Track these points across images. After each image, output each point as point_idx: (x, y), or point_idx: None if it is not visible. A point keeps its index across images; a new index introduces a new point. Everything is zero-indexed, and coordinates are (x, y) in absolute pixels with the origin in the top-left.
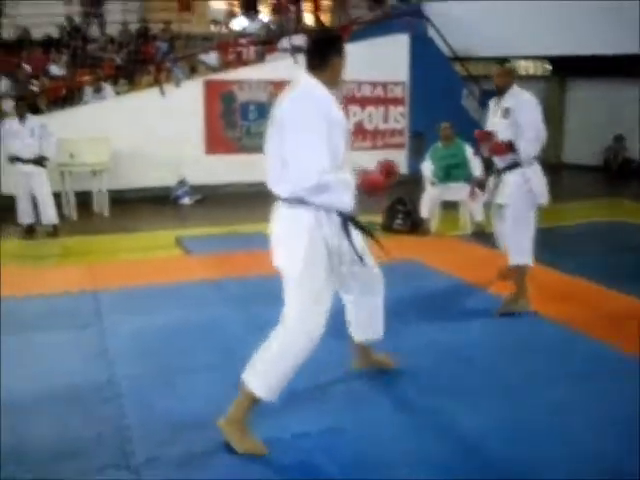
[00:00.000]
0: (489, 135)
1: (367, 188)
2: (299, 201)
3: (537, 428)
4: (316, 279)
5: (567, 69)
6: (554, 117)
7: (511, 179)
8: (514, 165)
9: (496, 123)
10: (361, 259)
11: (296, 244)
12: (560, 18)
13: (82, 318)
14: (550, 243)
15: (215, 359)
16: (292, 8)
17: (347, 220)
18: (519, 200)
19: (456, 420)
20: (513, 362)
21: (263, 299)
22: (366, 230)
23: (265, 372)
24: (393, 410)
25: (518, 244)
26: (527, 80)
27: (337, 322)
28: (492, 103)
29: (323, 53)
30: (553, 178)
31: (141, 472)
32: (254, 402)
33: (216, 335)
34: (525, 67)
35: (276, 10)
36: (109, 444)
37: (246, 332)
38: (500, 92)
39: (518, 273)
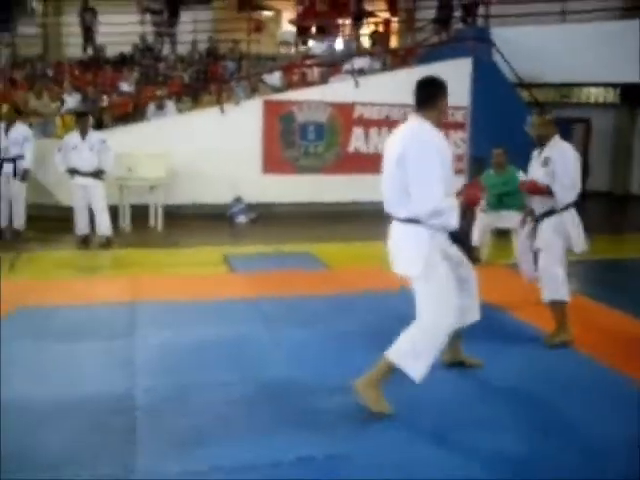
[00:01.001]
0: (537, 186)
1: (470, 202)
2: (416, 221)
3: None
4: (438, 278)
5: (637, 97)
6: (622, 147)
7: (547, 225)
8: (551, 212)
9: (536, 172)
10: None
11: (418, 252)
12: (630, 44)
13: (115, 329)
14: (607, 276)
15: (234, 377)
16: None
17: (453, 235)
18: (554, 243)
19: (468, 450)
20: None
21: (295, 320)
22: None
23: (416, 355)
24: (405, 438)
25: (553, 281)
26: (596, 108)
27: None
28: (535, 153)
29: (432, 96)
30: (619, 209)
31: None
32: (392, 373)
33: (241, 353)
34: (595, 94)
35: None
36: (112, 456)
37: (271, 352)
38: (541, 142)
39: (557, 309)
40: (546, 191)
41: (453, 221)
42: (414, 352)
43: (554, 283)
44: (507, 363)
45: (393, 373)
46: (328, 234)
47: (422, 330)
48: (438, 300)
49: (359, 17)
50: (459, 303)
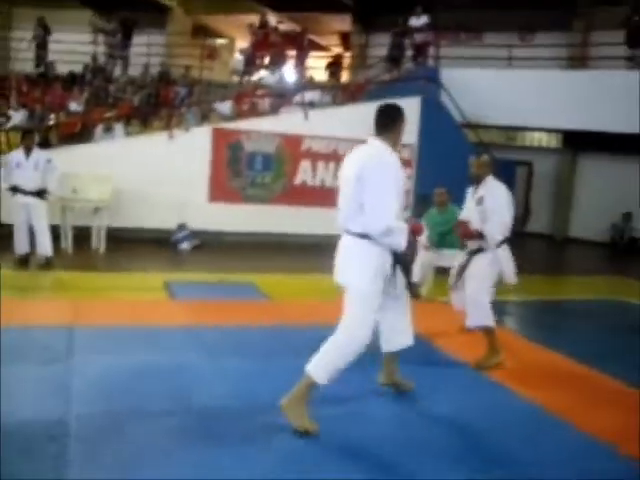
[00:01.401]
0: (468, 229)
1: (414, 231)
2: (368, 237)
3: None
4: (376, 296)
5: (579, 143)
6: (563, 190)
7: (482, 258)
8: (481, 249)
9: (470, 209)
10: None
11: (367, 266)
12: (574, 92)
13: (52, 353)
14: (544, 317)
15: (171, 406)
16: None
17: (398, 257)
18: (486, 275)
19: None
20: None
21: (234, 350)
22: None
23: (325, 364)
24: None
25: (481, 309)
26: (539, 152)
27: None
28: (471, 190)
29: (391, 120)
30: (558, 252)
31: None
32: (313, 386)
33: (179, 382)
34: (538, 138)
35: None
36: None
37: (209, 382)
38: (477, 181)
39: (488, 334)
40: (477, 236)
41: (402, 242)
42: (325, 360)
43: (481, 310)
44: (441, 392)
45: (315, 388)
46: (271, 265)
47: (338, 343)
48: (363, 316)
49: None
50: (393, 325)
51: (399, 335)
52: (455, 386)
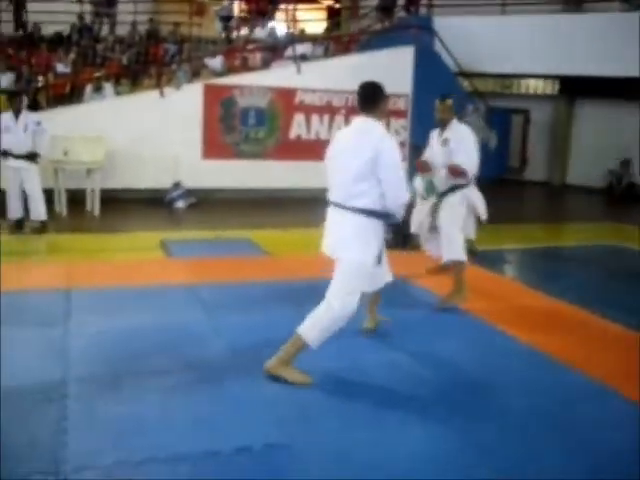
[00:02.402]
0: (427, 165)
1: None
2: (370, 213)
3: None
4: (369, 266)
5: (576, 89)
6: (560, 138)
7: (452, 197)
8: (454, 188)
9: (436, 151)
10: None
11: (372, 243)
12: (570, 36)
13: (50, 316)
14: (542, 264)
15: (169, 364)
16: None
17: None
18: (457, 211)
19: (400, 443)
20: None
21: (232, 305)
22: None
23: (320, 330)
24: (343, 424)
25: (453, 243)
26: (535, 99)
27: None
28: (435, 134)
29: (375, 98)
30: (556, 199)
31: None
32: (303, 348)
33: (177, 340)
34: (534, 86)
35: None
36: (43, 448)
37: (209, 339)
38: (442, 125)
39: (456, 270)
40: (461, 172)
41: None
42: (318, 326)
43: (454, 245)
44: (438, 336)
45: (303, 349)
46: (268, 220)
47: (332, 310)
48: (357, 286)
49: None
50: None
51: (381, 276)
52: (452, 330)
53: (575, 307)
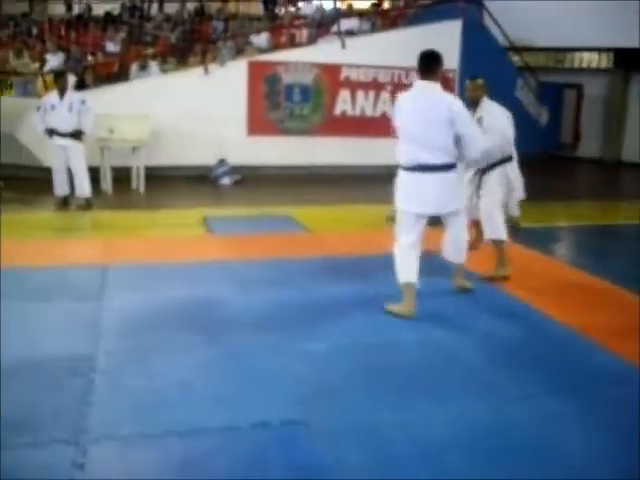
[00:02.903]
0: None
1: None
2: (454, 166)
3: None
4: None
5: (632, 63)
6: (615, 113)
7: (492, 175)
8: (493, 165)
9: None
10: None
11: (461, 189)
12: (626, 8)
13: (84, 291)
14: (588, 242)
15: (197, 340)
16: None
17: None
18: (496, 190)
19: (429, 425)
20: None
21: (268, 282)
22: None
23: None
24: (364, 403)
25: (493, 222)
26: (589, 73)
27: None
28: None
29: (435, 64)
30: (608, 176)
31: (88, 450)
32: (407, 287)
33: (206, 316)
34: (588, 59)
35: None
36: (67, 418)
37: (241, 315)
38: (474, 104)
39: (498, 247)
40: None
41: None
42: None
43: (494, 224)
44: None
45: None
46: (311, 197)
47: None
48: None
49: None
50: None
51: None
52: (490, 309)
53: (618, 287)
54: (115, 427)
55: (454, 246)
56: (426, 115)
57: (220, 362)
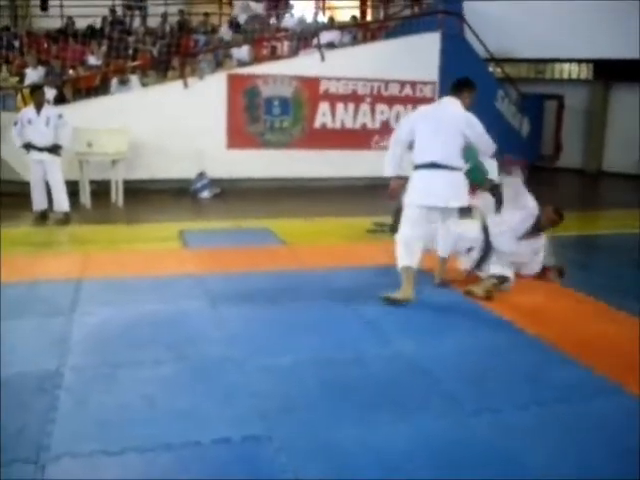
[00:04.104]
0: None
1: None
2: (460, 169)
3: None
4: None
5: (612, 73)
6: (596, 123)
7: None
8: None
9: None
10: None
11: (465, 189)
12: (604, 19)
13: (56, 306)
14: (569, 253)
15: (167, 355)
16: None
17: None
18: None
19: (391, 440)
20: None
21: (238, 297)
22: None
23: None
24: (334, 419)
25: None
26: (569, 84)
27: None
28: None
29: (463, 87)
30: (590, 187)
31: (46, 468)
32: (406, 271)
33: (179, 331)
34: (568, 70)
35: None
36: (28, 437)
37: (210, 330)
38: None
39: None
40: None
41: None
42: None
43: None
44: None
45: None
46: (290, 210)
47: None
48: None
49: None
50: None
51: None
52: (459, 321)
53: (592, 299)
54: (77, 444)
55: (445, 239)
56: (441, 122)
57: (185, 377)
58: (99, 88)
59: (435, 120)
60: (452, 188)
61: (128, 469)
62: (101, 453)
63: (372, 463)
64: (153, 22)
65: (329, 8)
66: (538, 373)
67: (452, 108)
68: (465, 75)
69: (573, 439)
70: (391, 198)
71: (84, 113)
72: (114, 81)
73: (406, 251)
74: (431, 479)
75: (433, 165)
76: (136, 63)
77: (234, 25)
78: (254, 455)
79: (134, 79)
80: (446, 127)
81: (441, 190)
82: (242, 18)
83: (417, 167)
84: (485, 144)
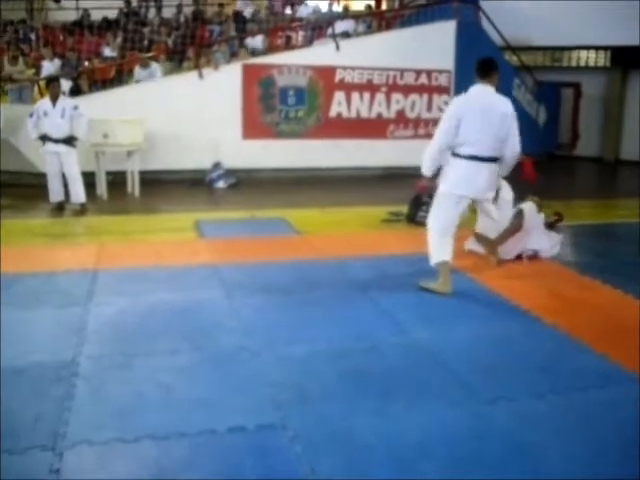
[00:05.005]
0: None
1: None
2: (497, 159)
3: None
4: None
5: (629, 61)
6: (613, 111)
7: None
8: None
9: None
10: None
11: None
12: (622, 6)
13: (72, 297)
14: (585, 241)
15: (183, 345)
16: None
17: None
18: None
19: (406, 430)
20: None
21: (253, 286)
22: None
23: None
24: (349, 409)
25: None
26: (586, 72)
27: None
28: None
29: (492, 70)
30: (607, 175)
31: (64, 455)
32: (443, 266)
33: (195, 321)
34: (585, 58)
35: None
36: (46, 424)
37: (226, 320)
38: None
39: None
40: None
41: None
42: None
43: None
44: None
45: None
46: (305, 200)
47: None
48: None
49: None
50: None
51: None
52: (475, 310)
53: (608, 287)
54: (93, 432)
55: (490, 222)
56: (490, 116)
57: (201, 367)
58: (114, 79)
59: (482, 113)
60: (491, 179)
61: (144, 457)
62: (117, 441)
63: (387, 452)
64: (168, 13)
65: None
66: (554, 361)
67: (498, 101)
68: (475, 54)
69: (589, 427)
70: (418, 192)
71: (100, 104)
72: (137, 68)
73: (441, 245)
74: (447, 468)
75: (480, 158)
76: (151, 54)
77: (240, 19)
78: (269, 444)
79: (156, 67)
80: (495, 121)
81: (483, 182)
82: (248, 12)
83: (461, 156)
84: (515, 137)
